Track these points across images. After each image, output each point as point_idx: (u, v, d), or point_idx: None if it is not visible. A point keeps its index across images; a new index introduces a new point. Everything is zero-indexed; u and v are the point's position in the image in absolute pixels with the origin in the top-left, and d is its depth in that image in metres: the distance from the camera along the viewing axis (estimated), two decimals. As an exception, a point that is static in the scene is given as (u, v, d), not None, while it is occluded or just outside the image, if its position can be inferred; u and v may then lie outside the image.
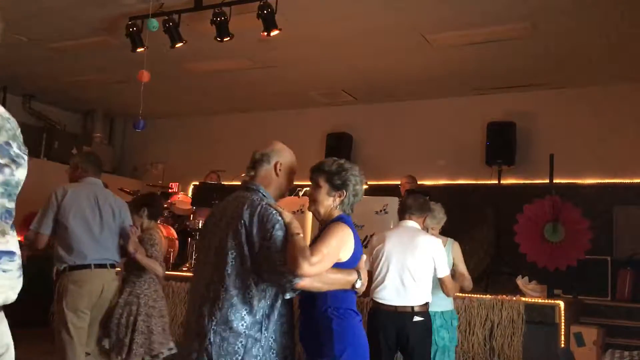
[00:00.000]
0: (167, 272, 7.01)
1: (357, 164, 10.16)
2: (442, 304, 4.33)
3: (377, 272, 4.02)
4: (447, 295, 4.16)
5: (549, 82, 8.33)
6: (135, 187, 8.77)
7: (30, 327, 8.21)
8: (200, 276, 2.61)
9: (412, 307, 3.90)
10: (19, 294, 2.74)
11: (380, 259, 4.03)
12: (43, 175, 9.68)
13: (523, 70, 7.93)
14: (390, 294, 3.93)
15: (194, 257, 7.63)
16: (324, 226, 2.77)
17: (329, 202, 2.79)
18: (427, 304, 3.99)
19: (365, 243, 6.07)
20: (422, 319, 3.92)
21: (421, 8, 6.30)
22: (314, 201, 2.84)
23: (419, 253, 3.95)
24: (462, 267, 4.49)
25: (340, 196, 2.79)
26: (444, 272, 4.06)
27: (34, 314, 8.04)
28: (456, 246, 4.54)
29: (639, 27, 6.40)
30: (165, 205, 8.07)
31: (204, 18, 6.30)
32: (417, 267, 3.93)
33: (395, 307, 3.91)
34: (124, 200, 5.01)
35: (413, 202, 4.25)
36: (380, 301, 3.96)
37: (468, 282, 4.48)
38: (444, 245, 4.37)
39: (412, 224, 4.15)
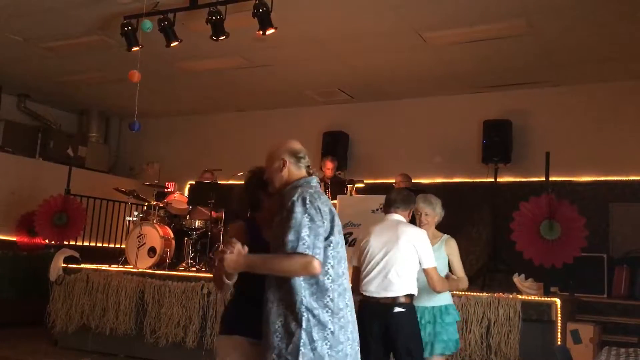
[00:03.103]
0: (164, 272, 7.04)
1: (354, 162, 10.15)
2: (434, 299, 4.23)
3: (363, 266, 4.02)
4: (434, 289, 3.99)
5: (545, 80, 8.34)
6: (131, 187, 8.74)
7: (27, 326, 8.20)
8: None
9: (394, 299, 3.86)
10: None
11: (366, 253, 4.02)
12: (38, 175, 9.69)
13: (519, 68, 7.94)
14: (373, 286, 3.92)
15: (190, 256, 7.62)
16: None
17: None
18: (410, 295, 3.92)
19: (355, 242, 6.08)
20: (403, 309, 3.86)
21: (417, 6, 6.30)
22: None
23: (401, 244, 3.91)
24: (457, 266, 4.32)
25: None
26: (428, 263, 3.93)
27: (30, 314, 8.03)
28: (452, 243, 4.35)
29: (635, 25, 6.41)
30: (162, 205, 8.06)
31: (199, 17, 6.28)
32: (400, 258, 3.90)
33: (378, 299, 3.90)
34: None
35: (397, 195, 4.21)
36: (365, 294, 3.96)
37: (463, 284, 4.35)
38: (437, 242, 4.33)
39: (396, 216, 4.11)
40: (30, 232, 8.74)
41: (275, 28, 6.05)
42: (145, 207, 8.39)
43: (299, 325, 2.58)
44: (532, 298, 5.56)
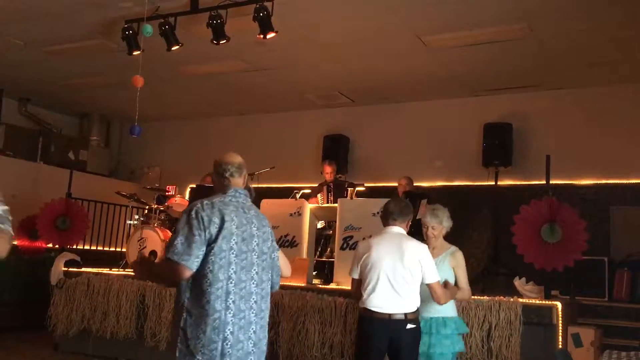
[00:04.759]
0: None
1: (354, 165, 10.15)
2: (432, 310, 4.20)
3: (367, 280, 4.00)
4: (438, 302, 4.01)
5: (545, 83, 8.35)
6: (132, 190, 8.75)
7: (27, 330, 8.20)
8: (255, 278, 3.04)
9: (406, 315, 3.88)
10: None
11: (369, 267, 3.99)
12: (39, 178, 9.70)
13: (519, 72, 7.95)
14: (382, 302, 3.91)
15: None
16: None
17: None
18: (417, 310, 3.97)
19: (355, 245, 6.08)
20: (414, 326, 3.91)
21: (417, 10, 6.31)
22: None
23: (407, 259, 3.91)
24: (462, 279, 4.31)
25: None
26: (432, 278, 3.95)
27: (31, 317, 8.03)
28: (458, 255, 4.35)
29: (635, 29, 6.42)
30: (162, 208, 8.07)
31: (200, 21, 6.30)
32: (407, 274, 3.90)
33: (389, 314, 3.89)
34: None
35: (395, 207, 4.18)
36: (373, 309, 3.93)
37: (464, 295, 4.35)
38: (443, 253, 4.31)
39: (397, 229, 4.11)
40: (31, 236, 8.74)
41: (276, 32, 6.07)
42: (146, 211, 8.38)
43: (179, 322, 2.87)
44: (533, 301, 5.55)
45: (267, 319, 3.04)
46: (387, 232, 4.12)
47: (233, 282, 2.88)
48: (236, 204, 3.04)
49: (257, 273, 2.99)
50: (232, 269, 2.90)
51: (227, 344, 2.81)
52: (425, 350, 4.10)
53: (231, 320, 2.84)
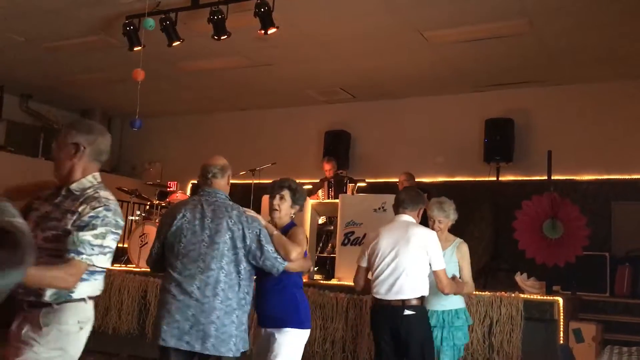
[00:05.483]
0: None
1: (355, 161, 10.09)
2: (444, 304, 4.19)
3: (374, 268, 4.01)
4: (442, 291, 3.96)
5: (546, 79, 8.33)
6: (134, 186, 8.75)
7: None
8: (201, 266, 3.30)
9: (403, 301, 3.84)
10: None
11: (376, 255, 4.00)
12: (41, 174, 9.66)
13: (521, 67, 7.93)
14: (384, 289, 3.91)
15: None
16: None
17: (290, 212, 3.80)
18: (421, 297, 3.91)
19: (362, 240, 6.09)
20: (414, 312, 3.85)
21: (418, 5, 6.30)
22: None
23: (411, 246, 3.89)
24: (466, 272, 4.29)
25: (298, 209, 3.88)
26: (439, 265, 3.91)
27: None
28: (463, 247, 4.33)
29: (636, 25, 6.40)
30: (164, 204, 8.08)
31: (201, 16, 6.29)
32: (410, 261, 3.88)
33: (389, 301, 3.88)
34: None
35: (406, 196, 4.19)
36: (377, 296, 3.95)
37: (468, 289, 4.32)
38: (450, 245, 4.31)
39: (406, 217, 4.10)
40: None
41: (277, 27, 6.06)
42: (147, 207, 8.39)
43: None
44: (535, 297, 5.56)
45: (219, 305, 3.18)
46: (396, 221, 4.11)
47: (177, 269, 3.24)
48: (196, 202, 3.34)
49: (203, 261, 3.22)
50: (179, 258, 3.26)
51: (165, 321, 3.18)
52: (437, 344, 4.09)
53: (170, 300, 3.20)
